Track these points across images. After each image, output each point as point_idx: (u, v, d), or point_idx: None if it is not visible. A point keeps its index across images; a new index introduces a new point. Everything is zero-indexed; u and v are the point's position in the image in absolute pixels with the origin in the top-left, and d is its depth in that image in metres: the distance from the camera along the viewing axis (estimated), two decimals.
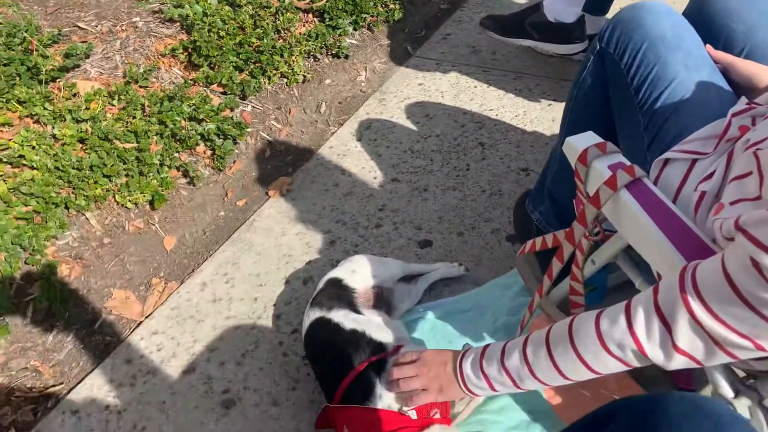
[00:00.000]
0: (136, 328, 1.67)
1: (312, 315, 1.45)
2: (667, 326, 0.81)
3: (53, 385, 1.55)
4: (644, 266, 1.20)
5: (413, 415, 1.23)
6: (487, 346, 1.10)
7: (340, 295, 1.49)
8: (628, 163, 1.05)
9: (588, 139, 1.12)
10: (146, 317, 1.69)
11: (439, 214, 1.90)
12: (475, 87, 2.42)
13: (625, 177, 1.01)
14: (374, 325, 1.41)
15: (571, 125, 1.40)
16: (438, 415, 1.27)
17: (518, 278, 1.62)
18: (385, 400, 1.25)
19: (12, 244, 1.68)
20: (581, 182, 1.12)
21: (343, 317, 1.42)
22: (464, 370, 1.10)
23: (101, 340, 1.66)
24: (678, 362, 0.83)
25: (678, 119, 1.15)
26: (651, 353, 0.84)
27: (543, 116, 2.24)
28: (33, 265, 1.71)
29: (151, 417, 1.45)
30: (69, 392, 1.51)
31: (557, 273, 1.28)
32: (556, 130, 2.15)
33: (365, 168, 2.10)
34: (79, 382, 1.53)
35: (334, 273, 1.55)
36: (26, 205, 1.76)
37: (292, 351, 1.57)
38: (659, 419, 0.55)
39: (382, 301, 1.54)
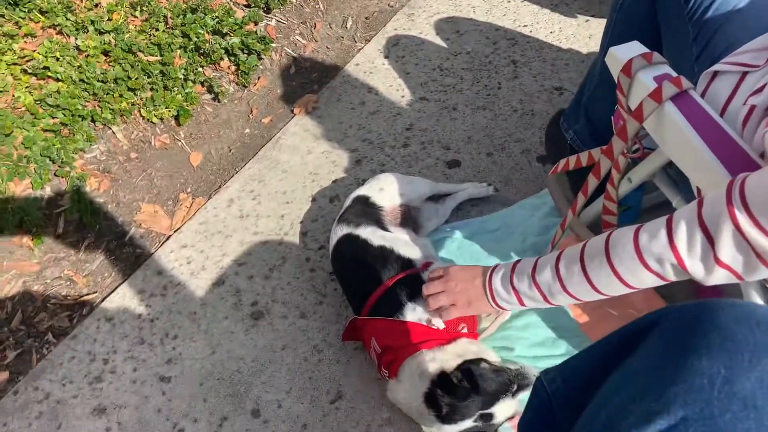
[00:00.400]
0: (165, 241, 1.69)
1: (339, 231, 1.45)
2: (710, 239, 0.79)
3: (87, 294, 1.59)
4: (683, 184, 1.16)
5: (440, 325, 1.24)
6: (517, 261, 1.09)
7: (368, 212, 1.48)
8: (675, 74, 1.00)
9: (633, 49, 1.06)
10: (175, 231, 1.71)
11: (468, 134, 1.86)
12: (509, 2, 2.31)
13: (671, 89, 0.96)
14: (402, 242, 1.41)
15: (613, 37, 1.33)
16: (465, 330, 1.28)
17: (548, 199, 1.59)
18: (414, 313, 1.26)
19: (41, 156, 1.68)
20: (623, 95, 1.07)
21: (370, 234, 1.41)
22: (494, 284, 1.10)
23: (131, 252, 1.68)
24: (718, 276, 0.81)
25: (729, 30, 1.09)
26: (691, 267, 0.82)
27: (579, 33, 2.14)
28: (62, 177, 1.72)
29: (182, 326, 1.49)
30: (102, 301, 1.56)
31: (593, 189, 1.25)
32: (593, 48, 2.06)
33: (393, 86, 2.05)
34: (111, 292, 1.57)
35: (362, 191, 1.54)
36: (53, 118, 1.75)
37: (319, 267, 1.58)
38: (708, 325, 0.52)
39: (409, 219, 1.53)
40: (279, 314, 1.49)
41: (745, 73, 1.01)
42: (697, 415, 0.46)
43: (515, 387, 1.18)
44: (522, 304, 1.07)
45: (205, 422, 1.31)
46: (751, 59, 1.01)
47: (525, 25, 2.20)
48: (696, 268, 0.82)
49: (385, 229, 1.45)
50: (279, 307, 1.50)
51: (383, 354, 1.25)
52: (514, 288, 1.06)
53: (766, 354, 0.50)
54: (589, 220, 1.36)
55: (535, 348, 1.31)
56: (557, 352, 1.30)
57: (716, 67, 1.04)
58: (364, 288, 1.34)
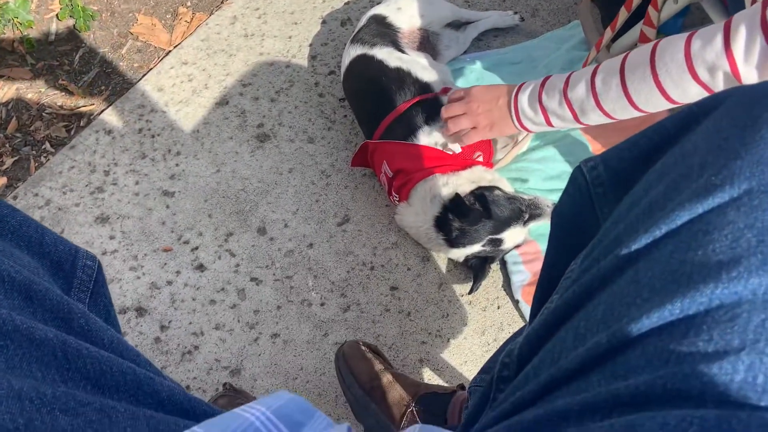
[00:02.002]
0: (165, 56, 1.59)
1: (353, 52, 1.36)
2: None
3: (84, 105, 1.52)
4: (735, 7, 1.07)
5: (457, 149, 1.19)
6: (547, 77, 1.01)
7: (384, 32, 1.37)
8: None
9: None
10: (175, 47, 1.60)
11: None
12: None
13: None
14: (420, 66, 1.32)
15: None
16: (481, 158, 1.24)
17: (577, 31, 1.49)
18: (429, 137, 1.21)
19: None
20: None
21: (387, 55, 1.32)
22: (519, 102, 1.04)
23: (130, 66, 1.59)
24: None
25: None
26: (745, 75, 0.75)
27: None
28: None
29: (185, 143, 1.43)
30: (101, 113, 1.49)
31: (622, 23, 1.16)
32: None
33: None
34: (110, 105, 1.50)
35: (378, 9, 1.42)
36: None
37: (329, 92, 1.50)
38: None
39: (428, 45, 1.43)
40: (286, 137, 1.43)
41: None
42: (765, 186, 0.40)
43: (527, 216, 1.16)
44: (549, 123, 1.01)
45: (210, 236, 1.30)
46: None
47: None
48: (750, 76, 0.75)
49: (402, 51, 1.36)
50: (285, 131, 1.44)
51: (395, 178, 1.22)
52: (542, 106, 1.00)
53: None
54: (621, 52, 1.27)
55: (550, 181, 1.28)
56: None
57: None
58: (378, 111, 1.27)
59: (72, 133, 1.47)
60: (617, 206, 0.53)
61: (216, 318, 1.20)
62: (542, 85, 1.00)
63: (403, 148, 1.21)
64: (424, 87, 1.28)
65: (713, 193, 0.40)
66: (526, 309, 1.15)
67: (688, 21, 1.30)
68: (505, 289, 1.20)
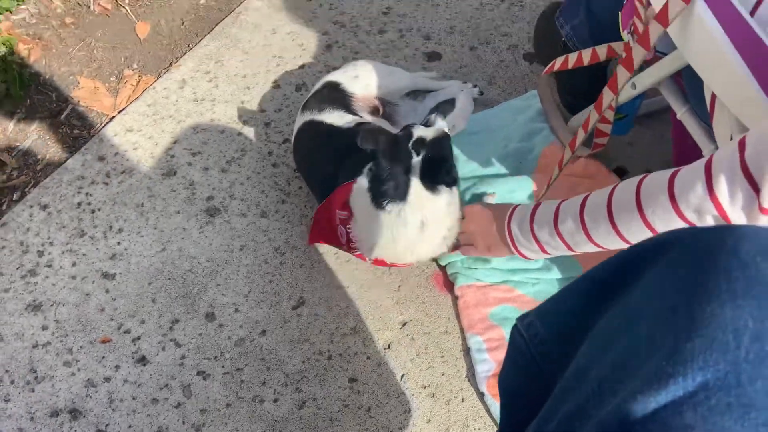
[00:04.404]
0: (108, 123, 1.50)
1: (300, 120, 1.31)
2: (755, 187, 0.69)
3: (18, 177, 1.41)
4: (693, 93, 1.06)
5: None
6: (536, 206, 1.00)
7: (336, 98, 1.32)
8: None
9: None
10: (119, 112, 1.52)
11: (450, 24, 1.68)
12: None
13: None
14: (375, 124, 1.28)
15: None
16: None
17: (533, 102, 1.47)
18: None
19: None
20: None
21: (337, 118, 1.27)
22: (513, 231, 1.02)
23: (69, 133, 1.49)
24: (761, 222, 0.73)
25: None
26: (734, 218, 0.73)
27: None
28: None
29: (128, 219, 1.35)
30: (36, 185, 1.39)
31: (594, 123, 1.15)
32: None
33: None
34: (46, 176, 1.40)
35: (333, 76, 1.38)
36: None
37: (283, 162, 1.44)
38: (729, 258, 0.41)
39: (384, 113, 1.39)
40: (237, 212, 1.36)
41: None
42: (721, 381, 0.37)
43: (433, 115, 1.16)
44: (545, 252, 1.00)
45: (154, 324, 1.21)
46: None
47: None
48: (738, 218, 0.73)
49: (354, 114, 1.31)
50: (237, 204, 1.37)
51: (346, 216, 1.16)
52: (535, 236, 0.99)
53: None
54: (577, 128, 1.25)
55: (511, 261, 1.24)
56: (535, 266, 1.23)
57: None
58: (330, 176, 1.21)
59: (3, 208, 1.37)
60: (563, 372, 0.49)
61: (159, 419, 1.10)
62: (532, 217, 1.00)
63: (349, 186, 1.15)
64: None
65: (666, 386, 0.38)
66: (492, 402, 1.10)
67: (649, 93, 1.30)
68: (469, 380, 1.14)
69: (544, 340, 0.52)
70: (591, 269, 0.54)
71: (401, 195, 1.07)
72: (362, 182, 1.12)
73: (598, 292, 0.49)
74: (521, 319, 0.55)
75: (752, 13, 0.90)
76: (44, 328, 1.20)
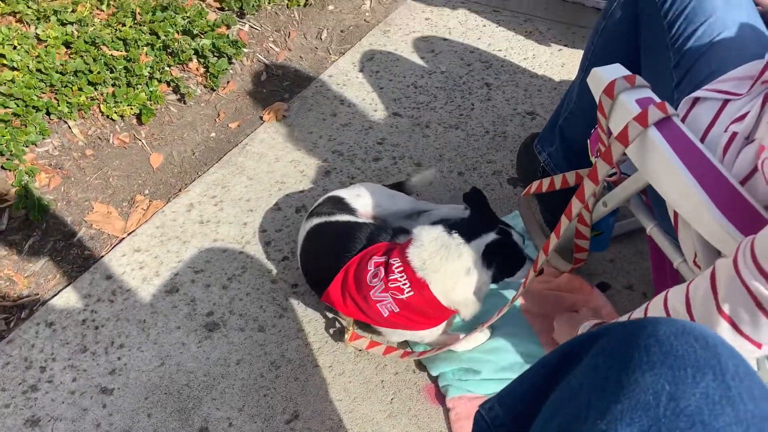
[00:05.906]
0: (117, 244, 1.59)
1: (309, 224, 1.40)
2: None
3: (27, 296, 1.48)
4: (659, 211, 1.15)
5: None
6: None
7: (341, 207, 1.43)
8: (658, 99, 0.99)
9: (615, 70, 1.05)
10: (129, 234, 1.62)
11: (439, 152, 1.83)
12: (484, 26, 2.32)
13: (657, 114, 0.94)
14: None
15: (593, 61, 1.33)
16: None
17: (518, 221, 1.57)
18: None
19: None
20: (604, 117, 1.05)
21: (347, 217, 1.38)
22: None
23: (80, 254, 1.58)
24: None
25: (711, 58, 1.09)
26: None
27: (553, 61, 2.16)
28: (10, 171, 1.62)
29: (129, 334, 1.39)
30: (44, 304, 1.45)
31: (576, 212, 1.23)
32: (566, 75, 2.07)
33: (365, 100, 2.01)
34: (55, 295, 1.47)
35: (337, 192, 1.48)
36: (5, 107, 1.65)
37: (282, 278, 1.51)
38: (650, 340, 0.51)
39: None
40: (235, 326, 1.41)
41: (726, 101, 1.01)
42: None
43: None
44: None
45: None
46: (733, 87, 1.01)
47: (499, 50, 2.21)
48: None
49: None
50: (236, 319, 1.43)
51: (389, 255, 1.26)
52: None
53: (709, 369, 0.49)
54: (560, 244, 1.34)
55: (501, 372, 1.27)
56: None
57: (698, 93, 1.04)
58: (338, 258, 1.30)
59: (11, 325, 1.42)
60: None
61: None
62: None
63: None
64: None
65: None
66: None
67: (618, 221, 1.39)
68: None
69: (503, 422, 0.59)
70: (540, 360, 0.62)
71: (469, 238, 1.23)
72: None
73: (548, 375, 0.56)
74: (483, 405, 0.62)
75: (702, 139, 1.02)
76: None
